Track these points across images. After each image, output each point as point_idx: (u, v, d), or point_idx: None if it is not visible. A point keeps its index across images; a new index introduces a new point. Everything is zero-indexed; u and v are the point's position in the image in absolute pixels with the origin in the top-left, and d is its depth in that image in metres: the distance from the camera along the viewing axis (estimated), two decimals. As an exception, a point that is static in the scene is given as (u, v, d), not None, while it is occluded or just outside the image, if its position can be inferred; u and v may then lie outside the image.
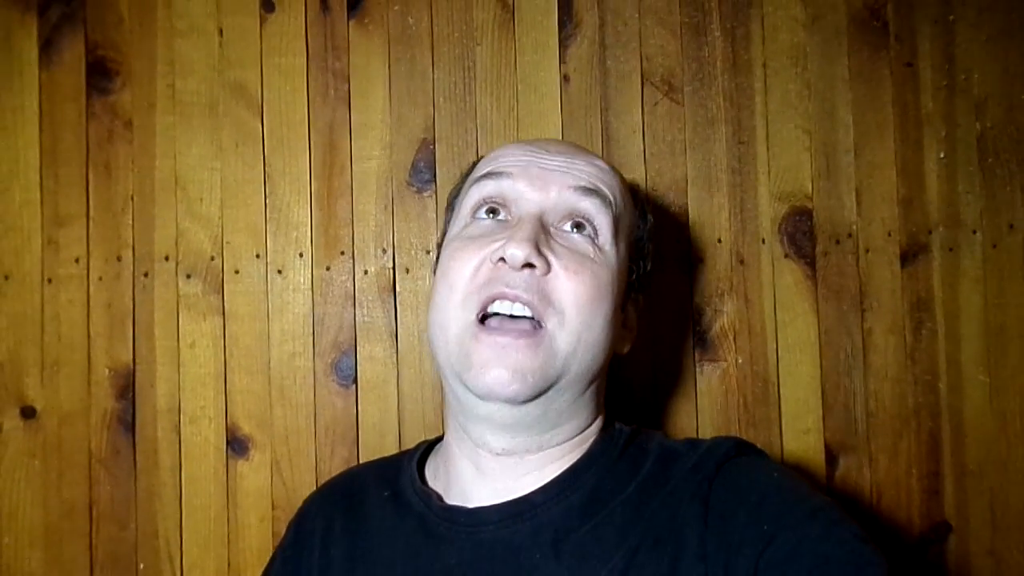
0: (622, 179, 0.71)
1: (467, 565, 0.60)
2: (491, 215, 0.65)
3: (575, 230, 0.63)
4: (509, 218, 0.64)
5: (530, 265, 0.59)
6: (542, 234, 0.61)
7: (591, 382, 0.64)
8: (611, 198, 0.65)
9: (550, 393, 0.61)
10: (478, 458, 0.64)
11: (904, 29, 0.93)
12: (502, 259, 0.60)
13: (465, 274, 0.61)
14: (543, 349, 0.59)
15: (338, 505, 0.71)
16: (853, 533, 0.53)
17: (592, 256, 0.62)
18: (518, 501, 0.62)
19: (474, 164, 0.73)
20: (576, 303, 0.60)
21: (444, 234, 0.72)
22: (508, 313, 0.60)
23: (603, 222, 0.64)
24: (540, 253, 0.59)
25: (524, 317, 0.60)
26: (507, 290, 0.59)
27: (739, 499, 0.56)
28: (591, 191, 0.64)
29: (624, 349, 0.70)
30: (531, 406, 0.60)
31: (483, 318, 0.61)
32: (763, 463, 0.63)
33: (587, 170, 0.66)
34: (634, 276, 0.69)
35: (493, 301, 0.60)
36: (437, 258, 0.70)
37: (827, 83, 0.93)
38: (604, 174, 0.67)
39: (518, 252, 0.58)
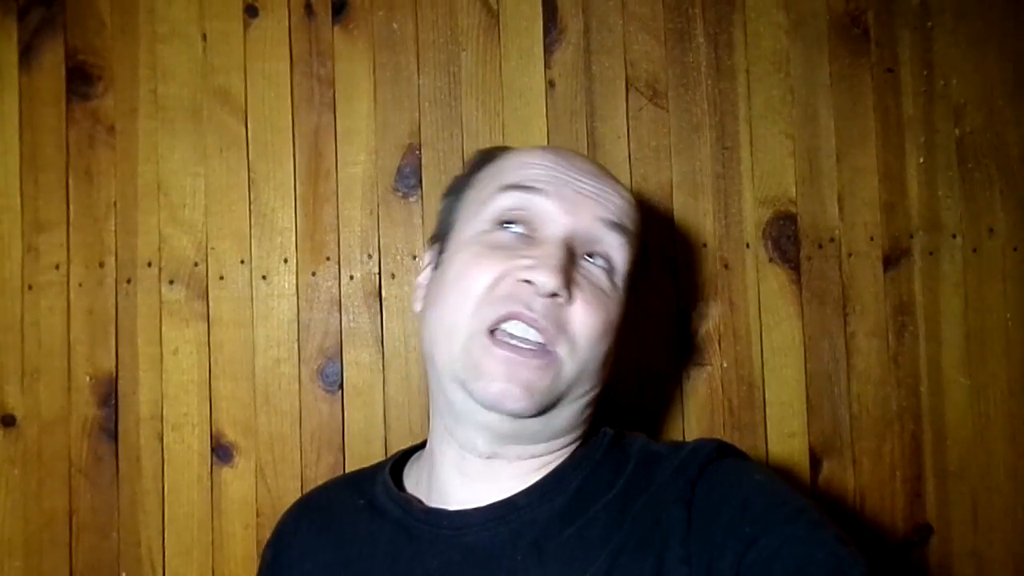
0: (638, 208, 0.70)
1: (448, 568, 0.60)
2: (514, 227, 0.63)
3: (595, 261, 0.63)
4: (534, 235, 0.63)
5: (555, 295, 0.59)
6: (570, 263, 0.61)
7: (590, 402, 0.66)
8: (634, 234, 0.66)
9: (551, 412, 0.62)
10: (463, 462, 0.64)
11: (884, 35, 0.95)
12: (527, 280, 0.59)
13: (483, 283, 0.61)
14: (551, 371, 0.60)
15: (310, 520, 0.71)
16: (834, 535, 0.53)
17: (608, 291, 0.63)
18: (501, 504, 0.62)
19: (487, 155, 0.71)
20: (588, 336, 0.61)
21: (445, 226, 0.69)
22: (520, 335, 0.60)
23: (622, 259, 0.64)
24: (567, 284, 0.60)
25: (535, 341, 0.60)
26: (526, 312, 0.59)
27: (722, 501, 0.57)
28: (618, 227, 0.64)
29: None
30: (532, 421, 0.62)
31: (492, 330, 0.61)
32: (745, 465, 0.63)
33: (616, 203, 0.65)
34: (631, 300, 0.69)
35: (509, 320, 0.60)
36: (441, 251, 0.68)
37: (809, 88, 0.94)
38: (630, 208, 0.67)
39: (549, 282, 0.58)
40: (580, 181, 0.64)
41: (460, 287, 0.61)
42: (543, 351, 0.59)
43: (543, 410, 0.61)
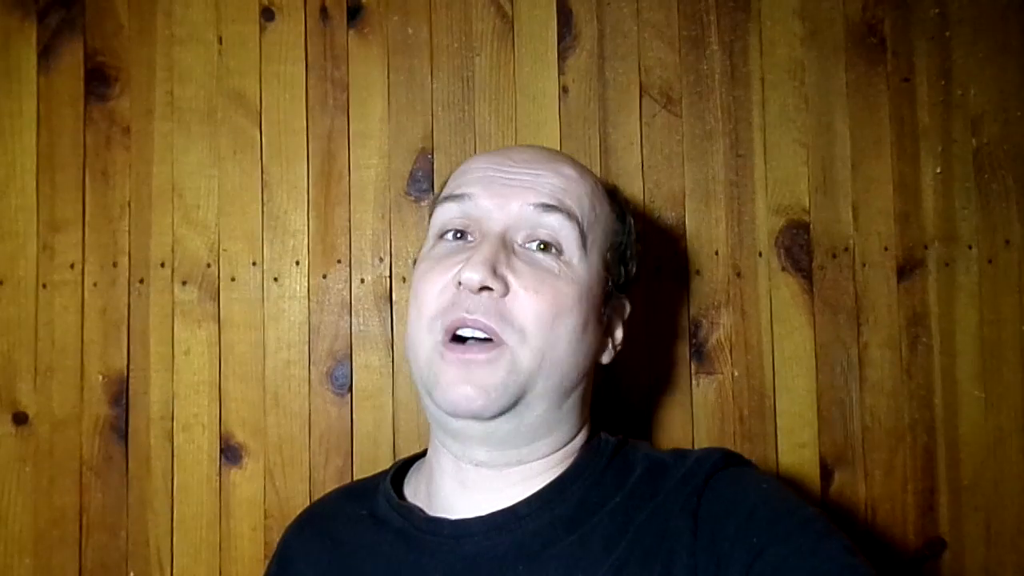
0: (594, 184, 0.70)
1: None
2: (457, 236, 0.66)
3: (539, 248, 0.64)
4: (473, 239, 0.65)
5: (487, 288, 0.60)
6: (502, 253, 0.62)
7: (565, 396, 0.65)
8: (576, 212, 0.65)
9: (518, 408, 0.62)
10: (460, 472, 0.65)
11: (901, 45, 0.96)
12: (460, 282, 0.61)
13: (430, 297, 0.63)
14: (504, 364, 0.60)
15: (312, 531, 0.72)
16: (842, 545, 0.54)
17: (556, 272, 0.63)
18: (503, 512, 0.63)
19: (450, 173, 0.73)
20: (537, 321, 0.61)
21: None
22: (470, 336, 0.62)
23: (567, 238, 0.64)
24: (497, 275, 0.60)
25: (486, 339, 0.61)
26: (467, 316, 0.61)
27: (728, 512, 0.58)
28: (553, 208, 0.64)
29: (605, 359, 0.70)
30: (500, 421, 0.62)
31: (452, 337, 0.62)
32: (752, 474, 0.64)
33: (551, 182, 0.65)
34: (610, 284, 0.69)
35: (456, 328, 0.62)
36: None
37: (824, 97, 0.95)
38: (570, 183, 0.66)
39: (473, 276, 0.60)
40: (511, 174, 0.65)
41: (415, 305, 0.64)
42: (491, 343, 0.61)
43: (508, 407, 0.61)
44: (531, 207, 0.64)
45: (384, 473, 0.74)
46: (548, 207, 0.64)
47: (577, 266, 0.64)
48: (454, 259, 0.63)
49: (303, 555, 0.70)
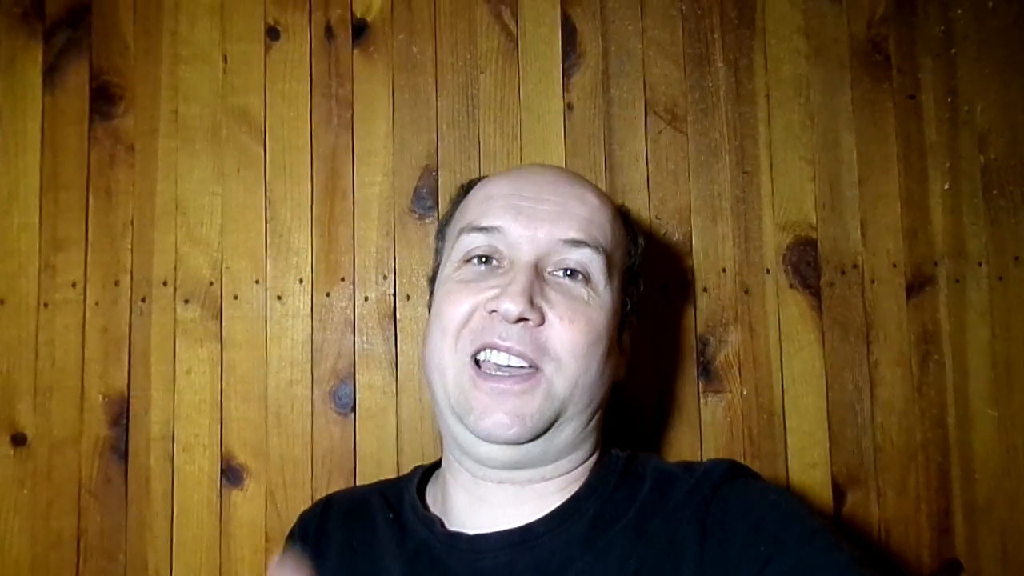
0: (613, 209, 0.74)
1: None
2: (482, 260, 0.69)
3: (568, 276, 0.67)
4: (501, 264, 0.68)
5: (524, 319, 0.64)
6: (536, 283, 0.65)
7: (592, 416, 0.69)
8: (602, 243, 0.69)
9: (550, 431, 0.66)
10: (477, 488, 0.68)
11: (906, 62, 0.99)
12: (495, 310, 0.64)
13: (457, 318, 0.66)
14: (540, 393, 0.64)
15: (339, 520, 0.75)
16: (850, 556, 0.56)
17: (587, 299, 0.67)
18: (520, 530, 0.65)
19: (464, 189, 0.77)
20: (572, 351, 0.65)
21: (436, 265, 0.76)
22: (504, 363, 0.65)
23: (595, 268, 0.68)
24: (534, 305, 0.64)
25: (519, 366, 0.65)
26: (499, 341, 0.64)
27: (735, 521, 0.60)
28: (581, 243, 0.67)
29: (622, 375, 0.75)
30: (531, 445, 0.65)
31: (478, 361, 0.65)
32: (759, 485, 0.67)
33: (578, 212, 0.69)
34: (628, 306, 0.74)
35: (485, 348, 0.65)
36: (431, 293, 0.75)
37: (830, 114, 0.99)
38: (595, 212, 0.70)
39: (512, 308, 0.63)
40: (538, 203, 0.69)
41: (439, 325, 0.67)
42: (528, 373, 0.64)
43: (540, 432, 0.64)
44: (560, 242, 0.67)
45: (410, 478, 0.77)
46: (576, 242, 0.67)
47: (603, 293, 0.68)
48: (483, 284, 0.66)
49: (329, 536, 0.73)
